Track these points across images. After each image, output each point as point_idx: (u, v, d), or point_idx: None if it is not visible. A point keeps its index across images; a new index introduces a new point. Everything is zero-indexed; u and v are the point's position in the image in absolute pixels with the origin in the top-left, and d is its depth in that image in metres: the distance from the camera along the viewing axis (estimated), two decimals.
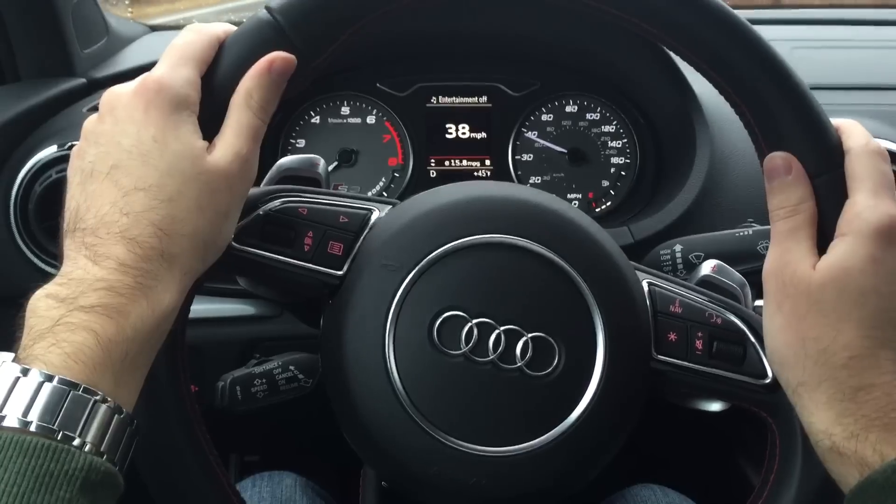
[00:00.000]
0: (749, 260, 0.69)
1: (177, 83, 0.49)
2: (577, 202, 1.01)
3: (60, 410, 0.41)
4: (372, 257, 0.56)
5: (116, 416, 0.43)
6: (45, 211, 0.84)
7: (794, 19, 1.27)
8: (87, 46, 1.04)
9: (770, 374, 0.56)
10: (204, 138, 0.50)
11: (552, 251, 0.56)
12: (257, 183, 0.56)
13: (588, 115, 1.02)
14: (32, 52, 0.99)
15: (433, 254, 0.55)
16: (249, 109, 0.51)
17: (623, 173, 1.01)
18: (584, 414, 0.55)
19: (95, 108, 0.94)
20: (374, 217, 0.58)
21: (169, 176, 0.48)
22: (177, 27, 1.31)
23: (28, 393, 0.41)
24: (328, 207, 0.57)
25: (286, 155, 1.00)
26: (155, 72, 0.50)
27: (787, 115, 0.52)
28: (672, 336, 0.57)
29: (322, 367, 0.58)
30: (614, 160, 1.02)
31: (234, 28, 0.53)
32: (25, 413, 0.41)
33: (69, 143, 0.85)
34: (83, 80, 1.00)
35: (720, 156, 0.90)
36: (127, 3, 1.37)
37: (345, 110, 1.01)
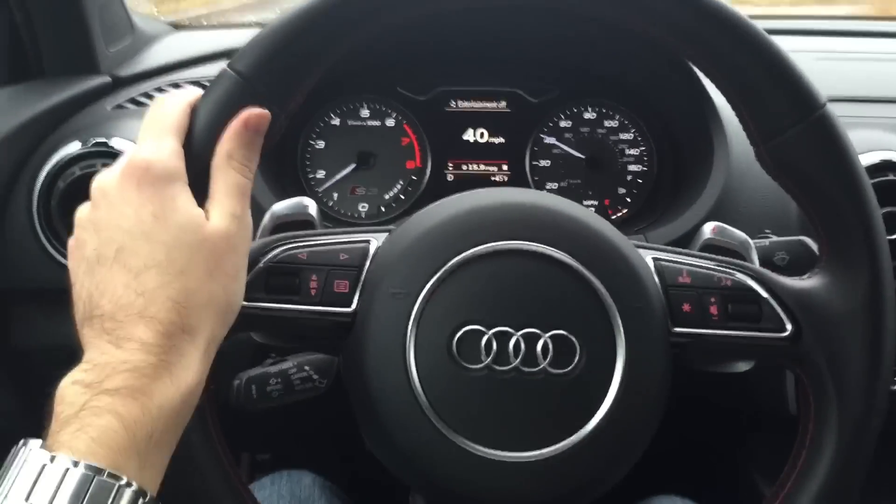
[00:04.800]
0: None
1: (163, 157, 0.49)
2: (593, 209, 1.01)
3: (85, 496, 0.41)
4: (379, 288, 0.56)
5: (141, 499, 0.44)
6: (67, 207, 0.85)
7: (817, 30, 1.26)
8: (112, 44, 1.05)
9: (789, 326, 0.57)
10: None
11: (550, 247, 0.56)
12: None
13: (606, 123, 1.02)
14: (58, 48, 1.00)
15: (438, 274, 0.56)
16: (233, 169, 0.52)
17: (640, 181, 1.01)
18: (615, 403, 0.55)
19: (120, 107, 0.96)
20: (372, 248, 0.58)
21: (176, 249, 0.48)
22: (201, 26, 1.32)
23: (55, 480, 0.41)
24: (327, 247, 0.58)
25: (305, 156, 1.01)
26: (139, 150, 0.50)
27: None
28: (686, 307, 0.58)
29: (351, 403, 0.58)
30: (631, 168, 1.02)
31: (202, 92, 0.54)
32: (51, 500, 0.41)
33: (93, 140, 0.86)
34: (108, 78, 1.01)
35: (738, 166, 0.90)
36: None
37: (364, 112, 1.02)
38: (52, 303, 0.81)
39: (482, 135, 1.02)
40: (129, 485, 0.43)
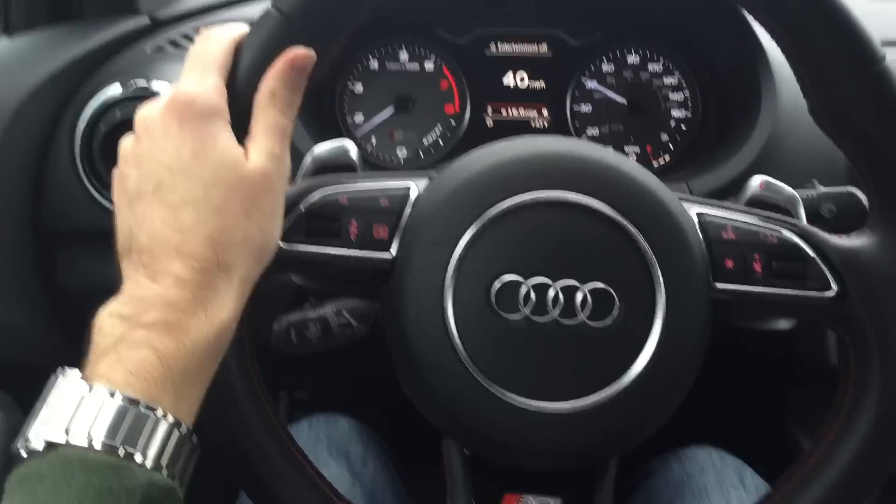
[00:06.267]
0: (813, 222, 0.67)
1: (206, 94, 0.50)
2: (634, 155, 0.99)
3: (122, 427, 0.42)
4: (418, 236, 0.56)
5: (176, 430, 0.45)
6: (109, 149, 0.85)
7: None
8: None
9: (835, 286, 0.56)
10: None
11: (591, 197, 0.56)
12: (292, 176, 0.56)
13: (650, 67, 1.00)
14: None
15: (477, 223, 0.55)
16: (275, 108, 0.52)
17: (683, 127, 0.99)
18: (652, 357, 0.55)
19: (160, 49, 0.95)
20: (412, 194, 0.58)
21: (213, 186, 0.48)
22: None
23: (93, 410, 0.42)
24: (368, 193, 0.58)
25: (343, 99, 1.00)
26: (182, 86, 0.50)
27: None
28: (729, 262, 0.57)
29: (388, 349, 0.59)
30: (675, 113, 0.99)
31: (246, 28, 0.54)
32: (90, 429, 0.42)
33: (134, 84, 0.86)
34: (147, 19, 1.00)
35: (785, 114, 0.87)
36: None
37: (403, 56, 1.01)
38: (96, 244, 0.82)
39: (522, 79, 1.01)
40: (164, 416, 0.44)
